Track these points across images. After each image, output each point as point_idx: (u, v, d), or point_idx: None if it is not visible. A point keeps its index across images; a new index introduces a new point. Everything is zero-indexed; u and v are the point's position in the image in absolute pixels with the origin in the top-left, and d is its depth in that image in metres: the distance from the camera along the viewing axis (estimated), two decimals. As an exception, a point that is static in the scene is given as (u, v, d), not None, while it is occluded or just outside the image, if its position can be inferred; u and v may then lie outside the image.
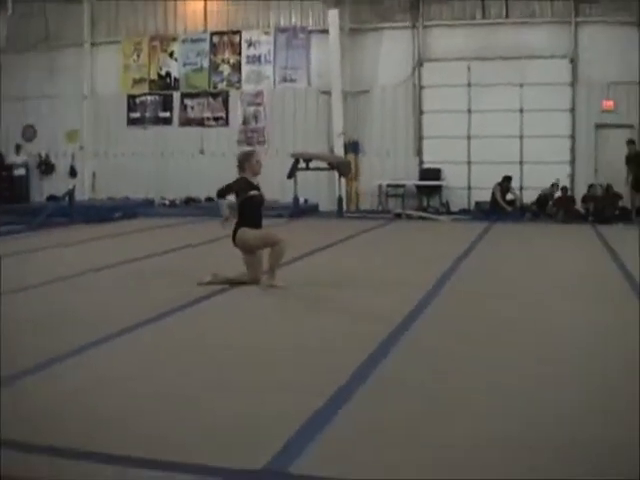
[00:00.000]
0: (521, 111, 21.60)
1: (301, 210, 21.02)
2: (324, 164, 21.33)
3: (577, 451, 4.30)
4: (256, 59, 23.60)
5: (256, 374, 5.85)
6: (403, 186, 22.30)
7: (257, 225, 9.64)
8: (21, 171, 24.70)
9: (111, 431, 4.63)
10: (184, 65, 24.23)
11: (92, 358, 6.32)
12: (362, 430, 4.62)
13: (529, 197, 20.80)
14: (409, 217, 20.54)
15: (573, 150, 21.49)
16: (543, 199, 20.21)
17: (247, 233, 9.52)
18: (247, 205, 9.60)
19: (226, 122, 23.95)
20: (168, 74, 24.36)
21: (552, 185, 20.23)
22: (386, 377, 5.77)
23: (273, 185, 22.71)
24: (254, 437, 4.50)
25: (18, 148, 24.77)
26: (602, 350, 6.65)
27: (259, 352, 6.52)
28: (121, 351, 6.64)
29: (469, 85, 21.97)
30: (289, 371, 5.95)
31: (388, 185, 22.46)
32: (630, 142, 20.17)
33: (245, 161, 9.75)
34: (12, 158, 24.69)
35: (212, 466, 4.08)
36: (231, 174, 10.22)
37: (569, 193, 20.44)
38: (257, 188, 9.72)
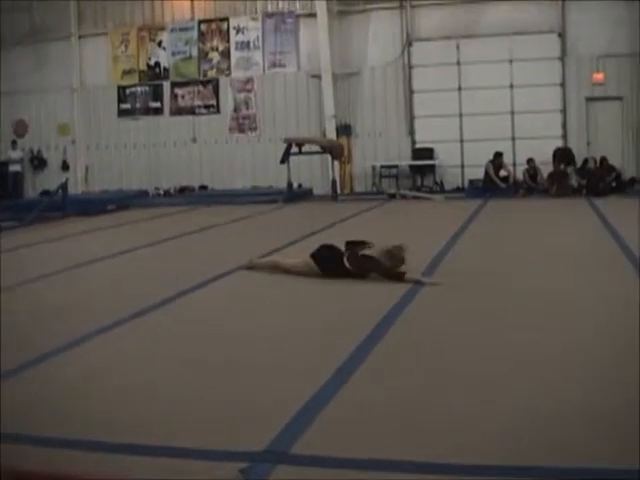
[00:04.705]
0: (511, 87, 21.60)
1: (295, 194, 21.01)
2: (317, 148, 21.33)
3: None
4: (245, 45, 23.55)
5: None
6: (396, 166, 22.31)
7: None
8: (16, 167, 24.64)
9: (110, 418, 4.65)
10: (173, 54, 24.17)
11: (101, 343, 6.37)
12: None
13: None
14: (403, 197, 20.54)
15: (565, 124, 21.52)
16: (533, 174, 20.23)
17: None
18: None
19: (217, 110, 23.90)
20: (157, 64, 24.30)
21: (528, 161, 20.34)
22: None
23: (266, 171, 22.87)
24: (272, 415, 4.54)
25: (14, 144, 24.72)
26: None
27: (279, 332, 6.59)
28: (126, 336, 6.72)
29: (459, 63, 21.94)
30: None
31: (381, 166, 22.45)
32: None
33: None
34: (8, 154, 24.63)
35: (218, 450, 4.08)
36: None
37: (562, 167, 20.43)
38: None
